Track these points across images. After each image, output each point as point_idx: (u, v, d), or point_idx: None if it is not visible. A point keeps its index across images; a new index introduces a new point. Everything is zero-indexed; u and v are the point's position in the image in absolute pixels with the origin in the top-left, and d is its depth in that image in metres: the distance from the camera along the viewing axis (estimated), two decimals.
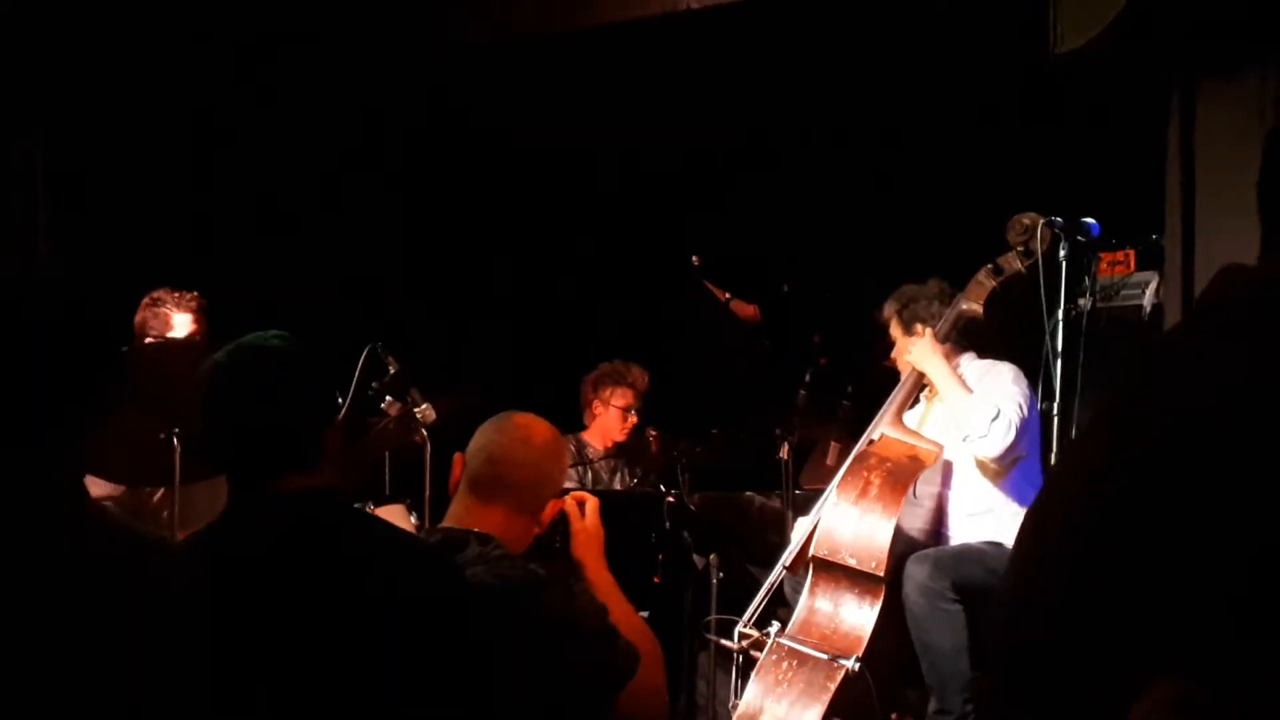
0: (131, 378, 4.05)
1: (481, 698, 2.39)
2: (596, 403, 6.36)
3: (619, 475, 6.28)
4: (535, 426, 2.91)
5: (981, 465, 4.70)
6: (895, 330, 5.01)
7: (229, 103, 6.37)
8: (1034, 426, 4.61)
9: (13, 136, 5.68)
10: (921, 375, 4.83)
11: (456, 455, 2.91)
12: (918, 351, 4.78)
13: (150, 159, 6.20)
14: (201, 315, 5.10)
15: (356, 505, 4.80)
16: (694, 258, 6.73)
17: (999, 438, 4.54)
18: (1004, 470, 4.68)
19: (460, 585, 2.43)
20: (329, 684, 2.19)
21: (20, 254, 5.18)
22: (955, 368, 4.83)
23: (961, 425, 4.63)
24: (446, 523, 2.85)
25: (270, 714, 2.18)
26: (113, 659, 1.78)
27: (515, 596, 2.59)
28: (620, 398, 6.30)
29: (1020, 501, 4.68)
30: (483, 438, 2.89)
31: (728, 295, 6.71)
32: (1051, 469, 4.34)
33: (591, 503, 2.96)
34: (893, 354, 5.05)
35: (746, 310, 6.74)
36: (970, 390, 4.67)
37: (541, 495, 2.87)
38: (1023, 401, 4.61)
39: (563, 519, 2.91)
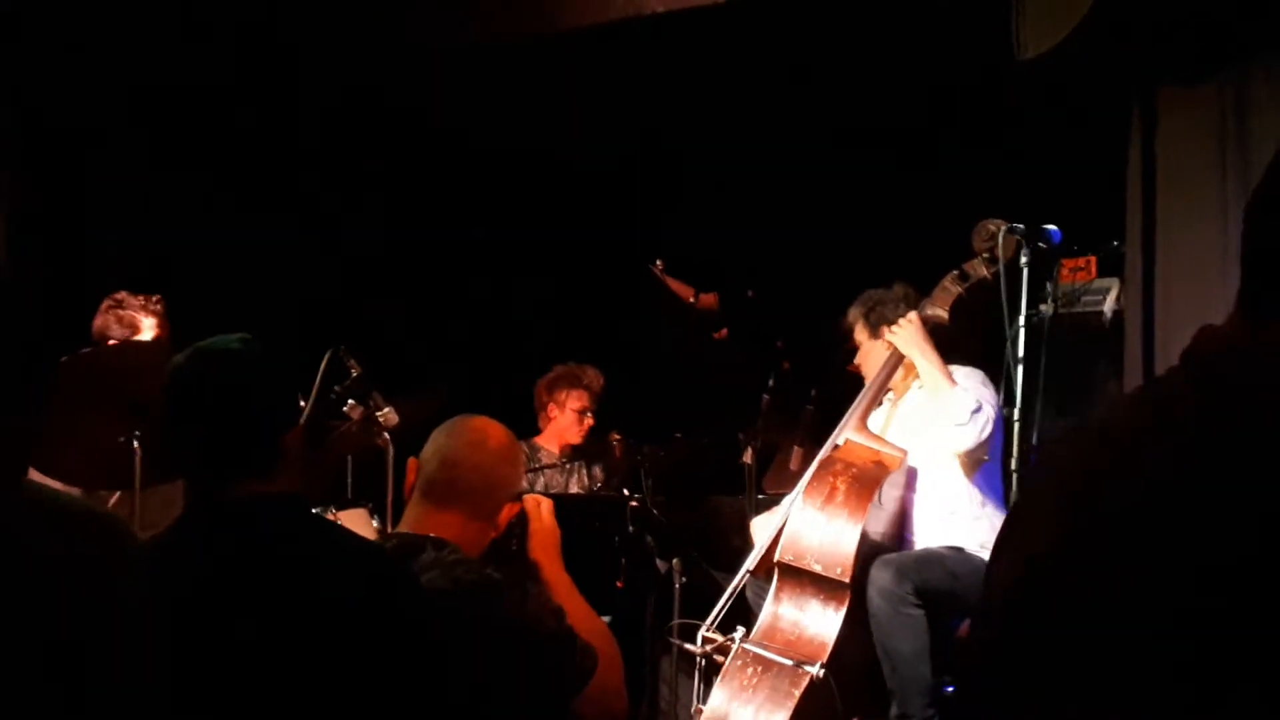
0: (93, 379, 4.02)
1: (440, 702, 2.38)
2: (551, 405, 6.33)
3: (575, 479, 6.26)
4: (490, 429, 2.89)
5: (944, 468, 4.71)
6: (861, 334, 5.01)
7: (197, 103, 6.34)
8: (999, 431, 4.62)
9: None
10: (886, 379, 4.83)
11: (410, 460, 2.90)
12: (904, 335, 4.75)
13: (113, 157, 6.18)
14: (165, 318, 5.08)
15: (318, 509, 4.79)
16: (657, 262, 6.72)
17: (976, 430, 4.54)
18: (967, 473, 4.69)
19: (417, 591, 2.42)
20: (283, 690, 2.17)
21: None
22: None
23: (942, 410, 4.63)
24: (402, 528, 2.83)
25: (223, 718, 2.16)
26: (54, 634, 1.77)
27: (471, 601, 2.58)
28: (576, 400, 6.28)
29: (982, 505, 4.69)
30: (436, 442, 2.88)
31: (694, 291, 6.68)
32: (1015, 504, 4.36)
33: (546, 504, 2.95)
34: (857, 359, 5.05)
35: (710, 301, 6.72)
36: (952, 380, 4.66)
37: (497, 498, 2.85)
38: (994, 405, 4.63)
39: (519, 521, 2.90)
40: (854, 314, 5.04)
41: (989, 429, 4.55)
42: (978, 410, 4.54)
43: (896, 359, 4.82)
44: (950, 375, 4.68)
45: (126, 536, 1.95)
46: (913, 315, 4.79)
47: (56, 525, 1.84)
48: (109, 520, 1.97)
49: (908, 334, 4.75)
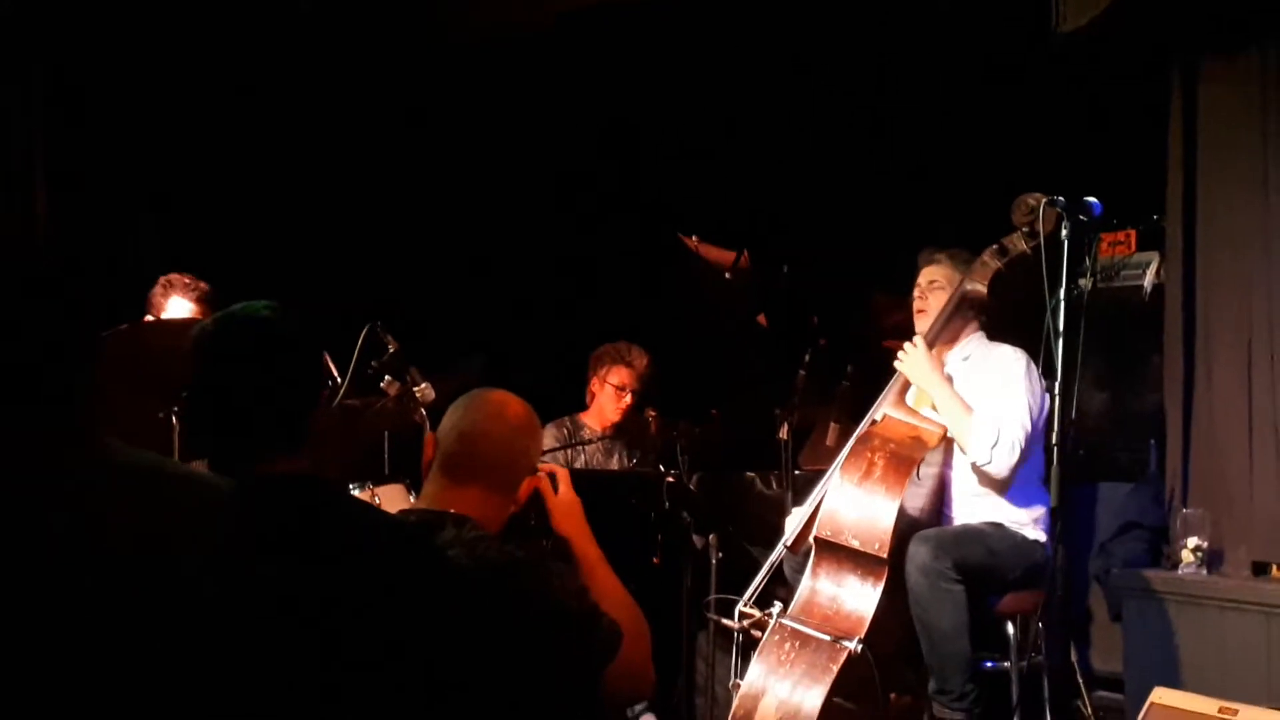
0: (127, 355, 4.05)
1: (463, 680, 2.36)
2: (595, 379, 6.31)
3: (616, 457, 6.24)
4: (507, 402, 2.85)
5: None
6: (945, 271, 4.86)
7: (231, 80, 6.36)
8: (1043, 414, 4.57)
9: (11, 100, 5.68)
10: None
11: (428, 435, 2.87)
12: (910, 363, 4.73)
13: (151, 129, 6.20)
14: (206, 304, 5.13)
15: (355, 486, 4.81)
16: (693, 237, 6.69)
17: (1002, 462, 4.52)
18: None
19: (443, 568, 2.39)
20: (307, 669, 2.13)
21: (17, 222, 5.20)
22: (964, 343, 4.81)
23: (963, 447, 4.62)
24: (420, 504, 2.80)
25: (247, 701, 2.13)
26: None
27: (493, 578, 2.55)
28: (616, 376, 6.25)
29: (1021, 482, 4.65)
30: (454, 416, 2.83)
31: (736, 255, 6.60)
32: None
33: (562, 474, 2.92)
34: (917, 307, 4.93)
35: (747, 261, 6.65)
36: (968, 408, 4.63)
37: (516, 472, 2.82)
38: (1032, 402, 4.57)
39: (537, 495, 2.87)
40: (936, 263, 4.90)
41: (1016, 453, 4.51)
42: (996, 443, 4.51)
43: (935, 334, 4.79)
44: (964, 403, 4.64)
45: (219, 499, 1.96)
46: (919, 341, 4.75)
47: (147, 494, 1.86)
48: (202, 484, 1.97)
49: (913, 363, 4.73)
